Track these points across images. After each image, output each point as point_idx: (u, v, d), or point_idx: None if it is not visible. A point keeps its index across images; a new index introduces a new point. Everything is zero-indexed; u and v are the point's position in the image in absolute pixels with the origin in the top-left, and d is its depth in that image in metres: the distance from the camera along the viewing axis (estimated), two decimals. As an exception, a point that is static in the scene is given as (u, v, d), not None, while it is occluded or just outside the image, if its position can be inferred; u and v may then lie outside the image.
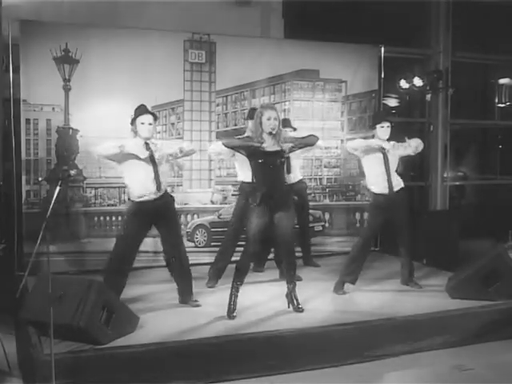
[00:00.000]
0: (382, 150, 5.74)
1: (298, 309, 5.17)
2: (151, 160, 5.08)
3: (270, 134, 4.88)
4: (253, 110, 5.70)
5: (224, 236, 6.26)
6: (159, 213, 5.13)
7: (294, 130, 6.46)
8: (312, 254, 7.12)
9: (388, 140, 5.79)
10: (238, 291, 5.07)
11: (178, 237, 5.41)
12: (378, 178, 5.80)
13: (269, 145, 4.90)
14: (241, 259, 5.12)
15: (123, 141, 5.05)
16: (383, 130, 5.75)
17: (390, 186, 5.75)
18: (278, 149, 4.91)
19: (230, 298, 5.05)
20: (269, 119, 4.87)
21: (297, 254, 5.73)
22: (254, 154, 4.89)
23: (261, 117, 4.90)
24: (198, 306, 5.32)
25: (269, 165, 4.88)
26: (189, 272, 5.42)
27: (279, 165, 4.94)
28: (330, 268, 6.90)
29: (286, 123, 6.18)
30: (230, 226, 6.12)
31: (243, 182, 5.91)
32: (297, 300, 5.21)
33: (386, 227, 6.00)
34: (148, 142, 5.12)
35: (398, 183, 5.85)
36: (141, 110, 5.14)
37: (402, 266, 6.07)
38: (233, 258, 5.98)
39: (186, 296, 5.36)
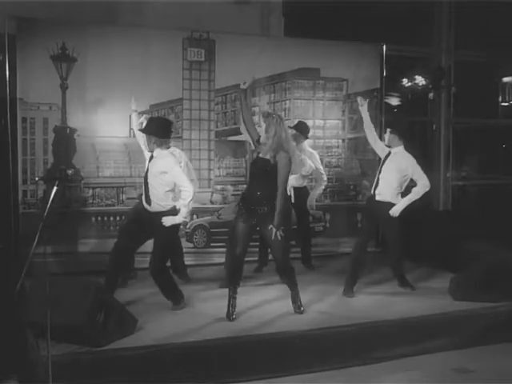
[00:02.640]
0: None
1: (299, 310, 5.14)
2: (145, 173, 5.15)
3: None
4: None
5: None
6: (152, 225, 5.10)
7: (306, 137, 6.54)
8: (312, 256, 7.05)
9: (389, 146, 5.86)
10: (235, 293, 5.04)
11: (160, 252, 5.22)
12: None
13: (263, 151, 4.90)
14: (228, 262, 5.09)
15: None
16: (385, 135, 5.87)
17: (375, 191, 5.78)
18: (267, 157, 4.86)
19: (229, 301, 5.03)
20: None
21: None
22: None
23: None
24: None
25: (257, 171, 4.90)
26: (174, 285, 5.35)
27: (266, 172, 4.86)
28: (330, 269, 6.89)
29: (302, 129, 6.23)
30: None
31: None
32: (300, 302, 5.18)
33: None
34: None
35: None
36: None
37: (392, 270, 6.04)
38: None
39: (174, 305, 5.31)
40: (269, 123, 4.84)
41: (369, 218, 5.87)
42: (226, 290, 5.11)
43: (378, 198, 5.75)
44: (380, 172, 5.78)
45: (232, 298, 5.02)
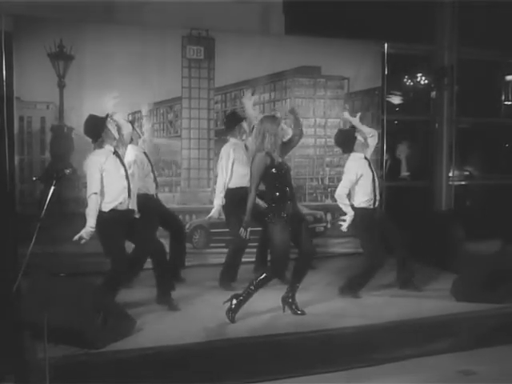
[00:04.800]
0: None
1: (299, 312, 5.09)
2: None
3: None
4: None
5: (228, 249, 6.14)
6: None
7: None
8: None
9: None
10: (250, 296, 4.97)
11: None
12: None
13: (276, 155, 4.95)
14: (269, 274, 4.98)
15: None
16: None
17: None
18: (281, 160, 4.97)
19: (240, 301, 4.97)
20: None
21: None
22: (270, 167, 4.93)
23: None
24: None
25: (283, 174, 4.95)
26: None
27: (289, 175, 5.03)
28: (331, 270, 6.84)
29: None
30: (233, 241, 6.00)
31: (233, 189, 5.92)
32: (296, 304, 5.13)
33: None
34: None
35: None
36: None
37: (397, 271, 5.99)
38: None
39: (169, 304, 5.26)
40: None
41: (377, 226, 5.76)
42: (225, 292, 5.10)
43: (377, 203, 5.74)
44: (374, 178, 5.73)
45: (244, 299, 4.97)
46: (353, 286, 5.73)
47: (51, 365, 3.72)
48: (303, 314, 5.09)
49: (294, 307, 5.11)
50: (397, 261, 5.95)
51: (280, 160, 4.92)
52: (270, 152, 4.87)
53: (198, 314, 5.15)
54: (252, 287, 4.91)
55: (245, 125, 6.04)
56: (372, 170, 5.72)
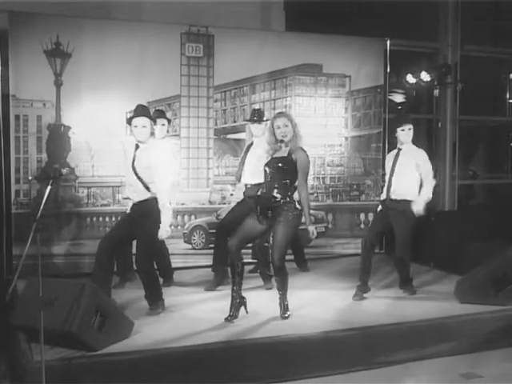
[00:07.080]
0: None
1: (283, 315, 5.02)
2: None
3: (282, 141, 4.91)
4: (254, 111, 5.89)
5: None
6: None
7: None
8: (307, 258, 6.92)
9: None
10: (238, 294, 4.95)
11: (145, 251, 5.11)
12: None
13: (280, 152, 4.95)
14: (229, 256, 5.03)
15: None
16: (404, 133, 5.69)
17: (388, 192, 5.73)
18: (284, 155, 4.91)
19: (231, 303, 4.95)
20: (278, 128, 4.92)
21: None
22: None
23: (272, 126, 4.98)
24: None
25: (267, 170, 4.93)
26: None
27: (275, 170, 4.90)
28: (332, 271, 6.81)
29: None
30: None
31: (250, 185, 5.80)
32: (285, 307, 5.05)
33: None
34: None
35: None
36: (136, 111, 4.98)
37: (397, 270, 5.94)
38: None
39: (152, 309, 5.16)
40: (285, 123, 4.92)
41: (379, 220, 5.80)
42: (224, 293, 5.08)
43: (393, 196, 5.69)
44: (392, 173, 5.71)
45: (233, 299, 4.95)
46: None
47: (47, 367, 3.68)
48: (287, 317, 5.00)
49: (281, 310, 5.04)
50: (398, 259, 5.87)
51: (281, 155, 4.90)
52: (271, 146, 4.97)
53: (197, 315, 5.11)
54: None
55: None
56: (393, 164, 5.71)
